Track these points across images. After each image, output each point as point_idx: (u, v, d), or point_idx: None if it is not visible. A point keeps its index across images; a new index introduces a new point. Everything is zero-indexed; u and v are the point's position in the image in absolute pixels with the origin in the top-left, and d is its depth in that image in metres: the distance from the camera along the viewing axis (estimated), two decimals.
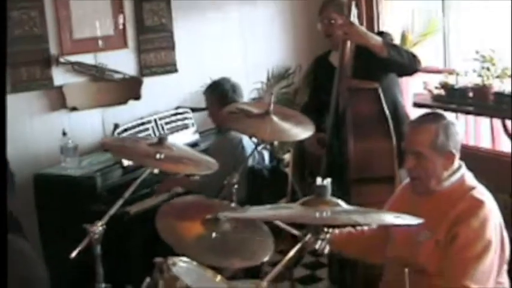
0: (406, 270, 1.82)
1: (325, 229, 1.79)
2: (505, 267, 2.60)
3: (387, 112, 3.67)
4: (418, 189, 2.64)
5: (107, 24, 4.61)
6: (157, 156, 2.60)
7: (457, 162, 2.61)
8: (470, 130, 4.85)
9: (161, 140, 2.68)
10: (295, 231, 2.38)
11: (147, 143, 2.71)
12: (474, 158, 4.50)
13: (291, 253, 1.80)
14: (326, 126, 3.83)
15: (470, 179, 2.63)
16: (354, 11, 3.58)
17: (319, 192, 1.77)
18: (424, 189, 2.61)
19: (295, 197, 4.30)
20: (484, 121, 4.69)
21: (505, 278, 2.60)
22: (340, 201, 1.80)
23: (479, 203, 2.49)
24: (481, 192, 2.57)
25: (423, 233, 2.54)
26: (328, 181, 1.78)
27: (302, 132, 3.05)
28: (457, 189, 2.57)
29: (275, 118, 3.00)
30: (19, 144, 4.19)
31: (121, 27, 4.64)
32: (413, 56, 3.66)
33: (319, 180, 1.78)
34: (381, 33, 3.99)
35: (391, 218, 1.90)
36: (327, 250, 1.83)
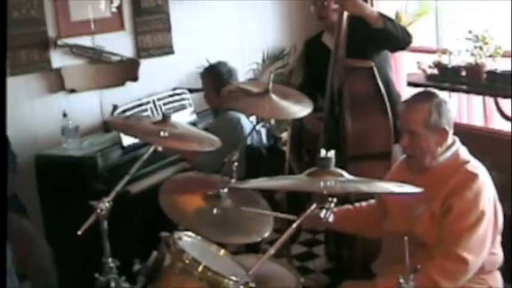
0: (406, 238, 1.89)
1: (330, 198, 1.85)
2: (499, 238, 2.68)
3: (383, 90, 3.73)
4: (414, 167, 2.71)
5: (103, 7, 4.64)
6: (162, 133, 2.65)
7: (450, 138, 2.69)
8: (463, 108, 4.93)
9: (165, 118, 2.74)
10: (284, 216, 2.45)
11: (151, 121, 2.77)
12: (467, 135, 4.59)
13: (298, 220, 1.88)
14: (323, 105, 3.89)
15: (464, 153, 2.71)
16: None
17: (323, 164, 1.84)
18: (419, 167, 2.69)
19: (293, 174, 4.37)
20: (477, 99, 4.76)
21: (498, 249, 2.69)
22: (343, 172, 1.87)
23: (472, 176, 2.57)
24: (475, 166, 2.64)
25: (419, 206, 2.63)
26: (332, 153, 1.85)
27: (301, 110, 3.09)
28: (451, 163, 2.65)
29: (274, 96, 3.04)
30: (19, 126, 4.24)
31: (114, 10, 4.66)
32: (406, 30, 3.72)
33: (323, 152, 1.84)
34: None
35: (393, 187, 1.97)
36: (331, 219, 1.90)
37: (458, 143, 2.72)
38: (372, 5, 4.92)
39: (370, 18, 3.58)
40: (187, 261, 2.41)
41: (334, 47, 3.78)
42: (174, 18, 4.97)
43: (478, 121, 4.83)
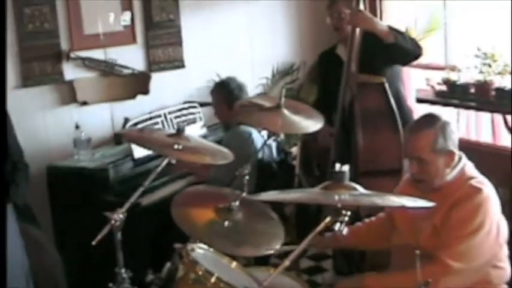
0: (417, 252, 1.92)
1: (344, 211, 1.89)
2: (505, 252, 2.71)
3: (394, 106, 3.77)
4: (424, 189, 2.73)
5: (116, 21, 4.70)
6: (176, 146, 2.69)
7: (457, 156, 2.72)
8: (472, 125, 4.96)
9: (179, 131, 2.78)
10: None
11: (165, 134, 2.81)
12: (475, 152, 4.62)
13: (313, 233, 1.91)
14: (334, 119, 3.93)
15: (470, 169, 2.75)
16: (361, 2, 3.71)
17: (338, 178, 1.88)
18: (429, 189, 2.71)
19: (302, 188, 4.40)
20: (485, 116, 4.78)
21: (505, 263, 2.72)
22: (357, 186, 1.90)
23: (476, 190, 2.61)
24: (480, 182, 2.68)
25: (424, 221, 2.67)
26: (346, 167, 1.88)
27: (312, 125, 3.13)
28: (457, 180, 2.69)
29: (286, 111, 3.08)
30: (31, 137, 4.29)
31: (123, 23, 4.71)
32: (417, 42, 3.79)
33: (337, 166, 1.88)
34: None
35: (406, 201, 2.01)
36: (345, 231, 1.93)
37: (464, 160, 2.75)
38: (381, 20, 5.01)
39: (381, 33, 3.64)
40: (200, 273, 2.45)
41: (346, 62, 3.83)
42: (186, 32, 5.01)
43: (486, 138, 4.84)
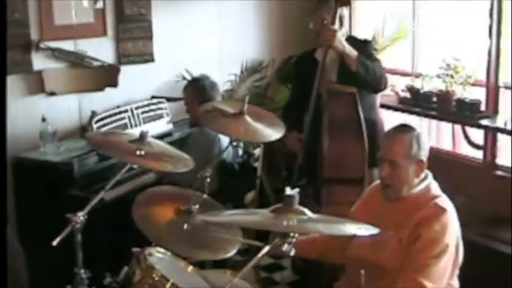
0: (362, 271, 2.01)
1: (292, 234, 1.98)
2: (457, 271, 2.83)
3: (362, 116, 3.85)
4: (390, 196, 2.84)
5: (87, 12, 4.71)
6: (138, 152, 2.74)
7: (424, 171, 2.84)
8: (433, 132, 5.08)
9: (142, 137, 2.82)
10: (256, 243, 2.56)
11: (128, 139, 2.85)
12: (435, 159, 4.74)
13: (260, 255, 2.00)
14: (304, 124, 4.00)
15: (435, 188, 2.86)
16: (337, 21, 3.81)
17: (288, 202, 1.97)
18: (394, 196, 2.82)
19: (263, 190, 4.48)
20: (447, 125, 4.90)
21: (455, 281, 2.84)
22: (305, 210, 1.99)
23: (442, 210, 2.73)
24: (445, 201, 2.80)
25: (387, 233, 2.75)
26: (296, 191, 1.97)
27: (274, 133, 3.19)
28: (423, 196, 2.80)
29: (249, 118, 3.13)
30: None
31: (97, 7, 4.72)
32: (381, 77, 3.86)
33: (288, 190, 1.96)
34: (366, 42, 4.18)
35: (353, 229, 2.09)
36: (292, 253, 2.03)
37: (430, 178, 2.87)
38: (350, 27, 5.09)
39: (347, 58, 3.76)
40: (156, 278, 2.50)
41: (319, 70, 3.89)
42: (156, 27, 5.04)
43: (446, 146, 4.96)
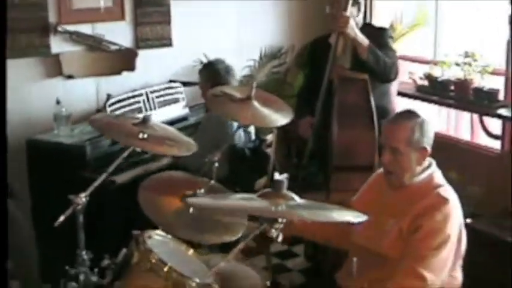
0: (355, 259, 1.99)
1: (280, 219, 1.96)
2: (460, 262, 2.79)
3: (373, 103, 3.82)
4: (393, 183, 2.81)
5: None
6: (141, 135, 2.75)
7: (428, 159, 2.79)
8: (452, 122, 5.00)
9: (145, 120, 2.83)
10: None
11: (132, 122, 2.86)
12: (453, 149, 4.69)
13: (247, 239, 2.00)
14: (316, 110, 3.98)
15: (438, 177, 2.81)
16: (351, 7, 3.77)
17: (276, 187, 1.95)
18: (396, 183, 2.79)
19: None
20: (466, 114, 4.82)
21: (458, 272, 2.80)
22: (294, 196, 1.97)
23: (444, 200, 2.67)
24: (447, 191, 2.75)
25: (388, 221, 2.74)
26: (284, 176, 1.95)
27: (281, 118, 3.19)
28: (426, 185, 2.76)
29: (256, 103, 3.13)
30: (15, 108, 4.34)
31: None
32: (390, 68, 3.82)
33: (276, 176, 1.95)
34: (382, 29, 4.15)
35: (336, 215, 2.07)
36: (280, 239, 2.01)
37: (434, 167, 2.82)
38: (370, 14, 5.04)
39: (359, 47, 3.74)
40: (153, 261, 2.51)
41: (331, 56, 3.87)
42: (175, 11, 5.03)
43: (465, 135, 4.88)
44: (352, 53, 3.88)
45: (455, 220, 2.67)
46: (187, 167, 3.84)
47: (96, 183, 2.78)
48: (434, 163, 2.82)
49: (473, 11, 4.85)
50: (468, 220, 4.16)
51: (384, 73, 3.80)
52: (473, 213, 4.23)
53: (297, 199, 1.96)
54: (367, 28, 3.99)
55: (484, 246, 3.96)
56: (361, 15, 3.98)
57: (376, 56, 3.76)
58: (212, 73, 4.21)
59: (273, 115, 3.18)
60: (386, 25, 4.77)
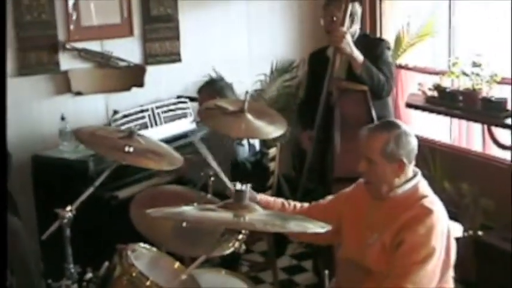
0: (326, 272, 1.95)
1: (242, 231, 1.93)
2: (451, 273, 2.71)
3: (374, 114, 3.78)
4: (371, 193, 2.75)
5: (114, 13, 4.77)
6: (126, 149, 2.76)
7: (411, 170, 2.72)
8: (463, 132, 4.91)
9: (131, 133, 2.83)
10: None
11: (118, 136, 2.86)
12: (464, 160, 4.60)
13: (206, 255, 1.98)
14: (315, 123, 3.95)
15: (423, 187, 2.73)
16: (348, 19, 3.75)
17: (237, 197, 1.92)
18: (376, 194, 2.72)
19: (281, 190, 4.43)
20: (476, 125, 4.73)
21: (449, 284, 2.72)
22: (256, 207, 1.94)
23: (427, 211, 2.59)
24: (432, 201, 2.66)
25: (372, 235, 2.68)
26: (247, 186, 1.92)
27: (274, 130, 3.17)
28: (410, 196, 2.68)
29: (249, 116, 3.12)
30: (24, 125, 4.42)
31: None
32: (384, 84, 3.80)
33: (238, 186, 1.92)
34: (378, 41, 4.14)
35: (295, 226, 2.02)
36: (242, 250, 1.99)
37: (419, 177, 2.75)
38: (380, 24, 5.00)
39: (353, 61, 3.75)
40: (134, 274, 2.51)
41: (329, 68, 3.85)
42: (183, 27, 5.06)
43: (477, 146, 4.79)
44: (348, 64, 3.85)
45: (439, 231, 2.58)
46: (193, 181, 3.83)
47: (82, 198, 2.80)
48: (419, 173, 2.75)
49: (484, 19, 4.77)
50: (480, 233, 4.10)
51: (377, 90, 3.79)
52: (483, 225, 4.15)
53: (259, 209, 1.92)
54: (364, 38, 3.98)
55: (494, 260, 3.87)
56: (356, 26, 3.94)
57: (370, 73, 3.75)
58: (212, 91, 4.18)
59: (266, 127, 3.17)
60: (392, 36, 4.74)
